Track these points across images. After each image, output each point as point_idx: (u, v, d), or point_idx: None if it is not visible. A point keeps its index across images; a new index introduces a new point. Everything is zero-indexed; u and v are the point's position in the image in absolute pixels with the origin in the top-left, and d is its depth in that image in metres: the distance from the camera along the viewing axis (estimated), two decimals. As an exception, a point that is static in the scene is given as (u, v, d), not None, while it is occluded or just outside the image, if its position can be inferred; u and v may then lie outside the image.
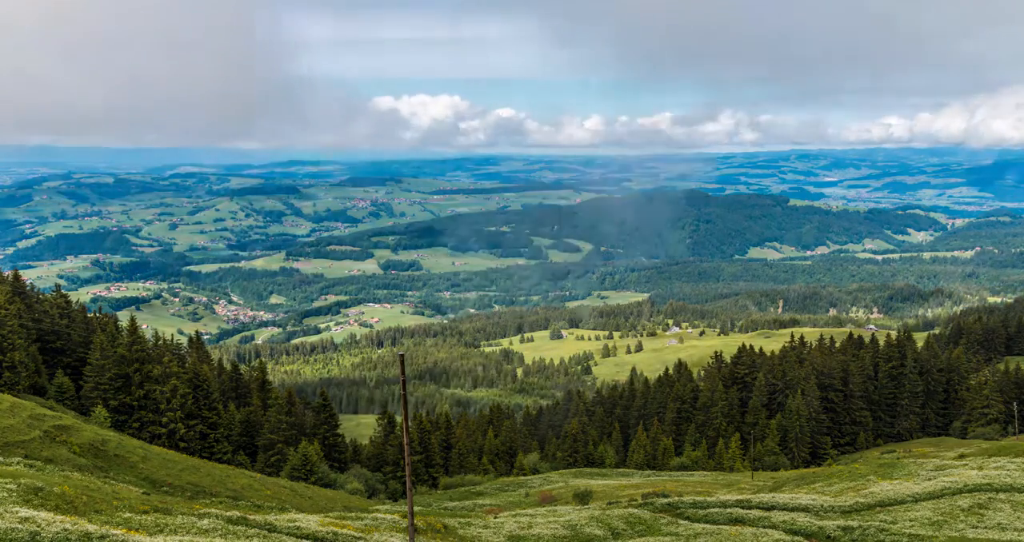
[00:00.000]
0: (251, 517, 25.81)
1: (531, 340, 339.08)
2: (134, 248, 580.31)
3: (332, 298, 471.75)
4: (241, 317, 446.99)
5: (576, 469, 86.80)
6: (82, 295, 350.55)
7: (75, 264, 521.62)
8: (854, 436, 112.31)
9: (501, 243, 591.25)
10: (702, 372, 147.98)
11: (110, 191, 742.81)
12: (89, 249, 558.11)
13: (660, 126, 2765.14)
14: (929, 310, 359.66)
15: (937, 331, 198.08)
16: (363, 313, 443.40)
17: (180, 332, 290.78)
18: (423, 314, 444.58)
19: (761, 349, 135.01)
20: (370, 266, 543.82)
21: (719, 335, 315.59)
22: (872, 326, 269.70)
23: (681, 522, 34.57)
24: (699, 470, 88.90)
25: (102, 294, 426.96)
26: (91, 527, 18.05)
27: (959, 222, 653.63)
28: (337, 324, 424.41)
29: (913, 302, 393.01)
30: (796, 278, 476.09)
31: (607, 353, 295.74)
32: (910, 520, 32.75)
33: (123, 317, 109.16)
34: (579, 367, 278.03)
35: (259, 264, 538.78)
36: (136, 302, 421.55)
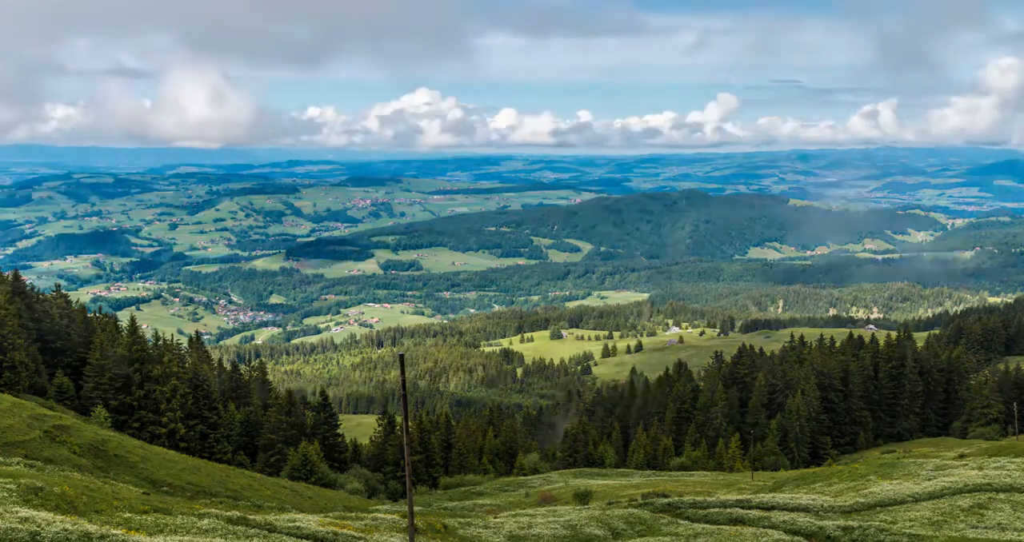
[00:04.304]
0: (251, 517, 25.81)
1: (531, 340, 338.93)
2: (134, 248, 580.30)
3: (332, 298, 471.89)
4: (241, 317, 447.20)
5: (576, 469, 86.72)
6: (82, 295, 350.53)
7: (75, 264, 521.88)
8: (854, 436, 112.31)
9: (501, 243, 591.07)
10: (702, 372, 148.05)
11: (110, 191, 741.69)
12: (89, 249, 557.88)
13: (660, 126, 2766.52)
14: (929, 310, 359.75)
15: (937, 331, 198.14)
16: (363, 313, 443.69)
17: (180, 332, 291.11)
18: (423, 314, 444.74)
19: (761, 349, 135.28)
20: (370, 266, 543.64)
21: (719, 335, 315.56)
22: (872, 326, 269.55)
23: (681, 522, 34.57)
24: (699, 470, 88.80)
25: (102, 294, 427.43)
26: (91, 527, 18.05)
27: (959, 222, 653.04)
28: (337, 324, 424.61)
29: (913, 302, 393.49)
30: (796, 278, 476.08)
31: (607, 353, 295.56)
32: (910, 520, 32.73)
33: (123, 317, 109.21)
34: (579, 367, 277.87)
35: (259, 264, 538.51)
36: (136, 302, 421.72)
